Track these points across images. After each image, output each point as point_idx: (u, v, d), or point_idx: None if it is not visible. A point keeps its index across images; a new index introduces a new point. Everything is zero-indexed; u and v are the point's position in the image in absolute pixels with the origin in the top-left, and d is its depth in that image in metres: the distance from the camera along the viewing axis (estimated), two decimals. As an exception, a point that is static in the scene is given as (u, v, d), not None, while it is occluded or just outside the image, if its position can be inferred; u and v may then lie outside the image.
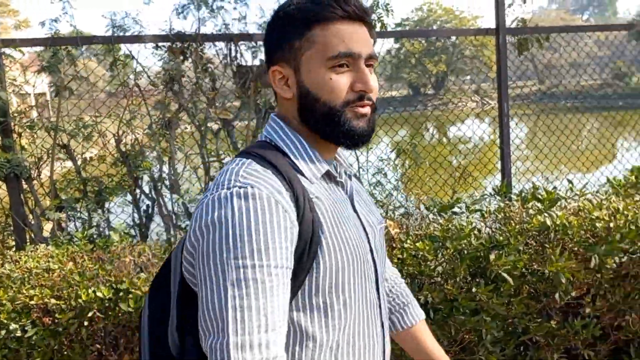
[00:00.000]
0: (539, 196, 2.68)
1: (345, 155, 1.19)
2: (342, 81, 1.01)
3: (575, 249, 2.37)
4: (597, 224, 2.37)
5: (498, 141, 3.96)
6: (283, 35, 1.03)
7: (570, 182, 3.13)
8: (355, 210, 1.10)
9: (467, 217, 2.71)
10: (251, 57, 3.13)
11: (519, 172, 5.13)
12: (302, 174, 1.02)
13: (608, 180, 3.14)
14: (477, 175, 4.83)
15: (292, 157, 1.03)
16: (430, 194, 3.98)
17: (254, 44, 3.13)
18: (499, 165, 4.08)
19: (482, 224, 2.71)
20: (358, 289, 1.02)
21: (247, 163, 0.97)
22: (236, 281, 0.86)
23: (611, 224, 2.37)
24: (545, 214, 2.48)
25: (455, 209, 2.78)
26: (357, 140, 1.04)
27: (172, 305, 1.03)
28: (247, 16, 3.06)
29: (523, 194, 2.80)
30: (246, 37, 3.11)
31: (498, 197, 2.94)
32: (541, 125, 5.61)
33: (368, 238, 1.09)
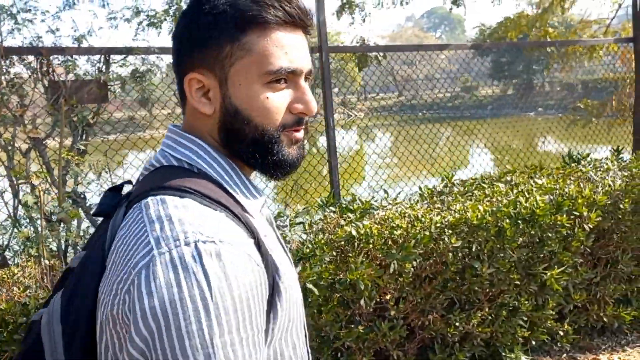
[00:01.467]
0: (351, 207, 2.83)
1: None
2: (279, 101, 0.84)
3: (380, 256, 2.53)
4: (396, 232, 2.55)
5: (367, 151, 4.12)
6: (209, 36, 0.83)
7: (385, 191, 3.34)
8: (280, 242, 0.95)
9: (290, 230, 2.78)
10: (65, 71, 2.97)
11: (380, 179, 5.43)
12: (245, 210, 0.84)
13: (420, 188, 3.40)
14: (310, 189, 4.99)
15: (228, 188, 0.84)
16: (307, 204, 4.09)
17: (68, 58, 2.98)
18: (365, 174, 4.24)
19: (305, 235, 2.80)
20: (298, 327, 0.89)
21: (191, 204, 0.76)
22: (224, 357, 0.69)
23: (409, 231, 2.56)
24: (354, 224, 2.62)
25: (279, 222, 2.84)
26: (288, 170, 0.89)
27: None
28: (60, 29, 2.89)
29: (343, 205, 2.94)
30: (58, 50, 2.95)
31: (327, 209, 3.05)
32: (405, 134, 5.94)
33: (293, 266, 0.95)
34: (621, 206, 2.93)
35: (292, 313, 0.84)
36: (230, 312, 0.70)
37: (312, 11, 0.91)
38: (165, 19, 3.64)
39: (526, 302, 2.81)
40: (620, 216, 2.96)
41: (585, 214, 2.84)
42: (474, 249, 2.62)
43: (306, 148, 0.97)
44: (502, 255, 2.69)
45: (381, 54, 6.47)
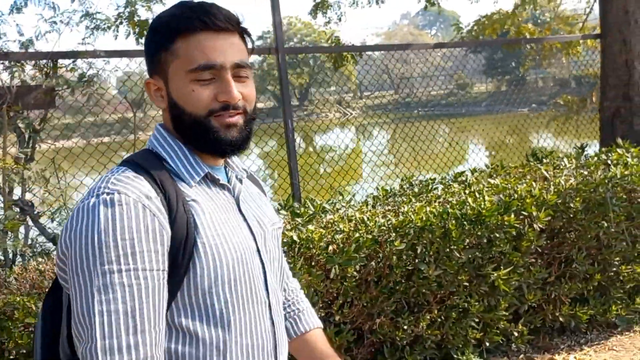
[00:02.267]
0: (298, 212, 2.80)
1: (237, 160, 1.19)
2: (204, 93, 1.02)
3: (322, 260, 2.50)
4: (337, 236, 2.52)
5: (363, 150, 4.09)
6: (152, 48, 1.06)
7: (340, 194, 3.31)
8: (241, 213, 1.10)
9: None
10: (9, 77, 2.93)
11: (377, 177, 5.43)
12: (181, 179, 1.04)
13: (379, 188, 3.37)
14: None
15: (170, 162, 1.05)
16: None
17: (12, 64, 2.94)
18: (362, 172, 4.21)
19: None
20: (242, 288, 1.03)
21: (122, 170, 0.99)
22: (102, 286, 0.88)
23: (351, 235, 2.53)
24: (297, 229, 2.59)
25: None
26: (227, 148, 1.06)
27: (63, 314, 1.02)
28: (6, 34, 2.85)
29: (290, 208, 2.91)
30: (1, 56, 2.91)
31: (280, 213, 3.01)
32: (400, 132, 5.94)
33: (255, 239, 1.09)
34: (572, 205, 2.89)
35: (222, 271, 0.99)
36: (111, 246, 0.89)
37: (237, 16, 1.07)
38: (121, 23, 3.60)
39: (476, 303, 2.78)
40: (571, 215, 2.93)
41: (534, 213, 2.81)
42: (419, 251, 2.59)
43: (253, 130, 1.11)
44: (449, 256, 2.66)
45: (357, 53, 6.45)
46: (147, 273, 0.91)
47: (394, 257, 2.55)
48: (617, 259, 3.12)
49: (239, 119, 1.05)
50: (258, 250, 1.09)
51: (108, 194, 0.93)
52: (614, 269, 3.16)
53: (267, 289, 1.10)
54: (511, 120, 7.32)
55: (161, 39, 1.04)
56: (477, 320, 2.84)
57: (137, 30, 3.69)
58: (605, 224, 3.00)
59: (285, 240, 2.48)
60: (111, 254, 0.89)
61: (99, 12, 3.26)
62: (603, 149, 3.76)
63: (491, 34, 6.49)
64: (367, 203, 3.13)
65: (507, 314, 2.91)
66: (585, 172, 3.24)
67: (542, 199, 2.86)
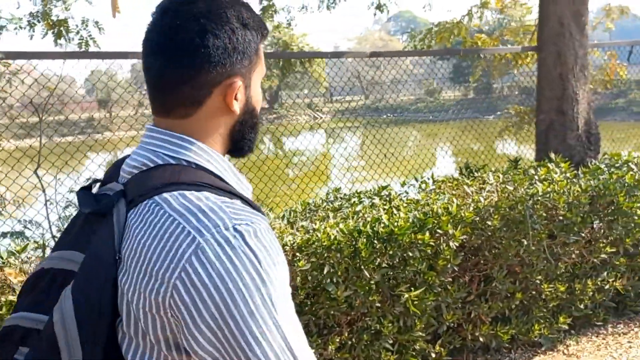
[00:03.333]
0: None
1: None
2: None
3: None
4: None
5: (332, 153, 3.98)
6: (244, 46, 0.93)
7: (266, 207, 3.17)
8: None
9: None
10: None
11: (348, 181, 5.36)
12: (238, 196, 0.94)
13: (301, 203, 3.25)
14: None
15: (229, 181, 0.94)
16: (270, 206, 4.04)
17: None
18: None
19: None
20: None
21: (211, 197, 0.85)
22: (286, 318, 0.80)
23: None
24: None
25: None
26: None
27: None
28: None
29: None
30: None
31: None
32: (369, 136, 5.92)
33: None
34: (489, 223, 2.82)
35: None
36: (280, 280, 0.81)
37: None
38: (35, 23, 3.42)
39: (390, 324, 2.68)
40: (490, 233, 2.86)
41: (450, 231, 2.72)
42: (325, 272, 2.47)
43: None
44: (359, 277, 2.55)
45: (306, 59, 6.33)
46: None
47: (298, 278, 2.43)
48: (539, 277, 3.06)
49: None
50: None
51: (240, 224, 0.81)
52: (536, 287, 3.09)
53: None
54: (477, 126, 7.34)
55: (254, 39, 0.95)
56: (391, 342, 2.74)
57: (55, 30, 3.50)
58: (525, 242, 2.93)
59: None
60: (284, 289, 0.82)
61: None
62: (534, 164, 3.71)
63: (439, 43, 6.45)
64: (284, 217, 3.00)
65: (424, 334, 2.81)
66: (511, 188, 3.17)
67: (459, 217, 2.78)
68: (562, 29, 3.95)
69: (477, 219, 2.82)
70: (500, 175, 3.37)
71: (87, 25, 4.06)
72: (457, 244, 2.74)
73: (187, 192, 0.84)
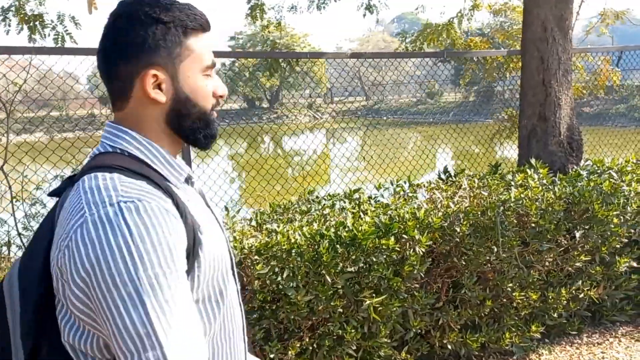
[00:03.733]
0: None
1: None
2: (210, 88, 1.07)
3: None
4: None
5: (332, 154, 3.95)
6: (160, 40, 1.03)
7: (226, 208, 3.12)
8: (209, 206, 1.14)
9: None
10: None
11: (349, 182, 5.36)
12: (168, 181, 1.03)
13: (270, 205, 3.20)
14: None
15: (154, 165, 1.03)
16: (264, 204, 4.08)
17: None
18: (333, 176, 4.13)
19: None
20: (226, 276, 1.07)
21: (117, 177, 0.95)
22: (152, 293, 0.86)
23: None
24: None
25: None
26: (214, 141, 1.12)
27: (14, 339, 0.98)
28: None
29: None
30: None
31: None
32: (369, 137, 5.94)
33: (222, 230, 1.14)
34: (458, 229, 2.76)
35: (215, 263, 1.03)
36: (150, 252, 0.87)
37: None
38: (5, 18, 3.37)
39: (353, 330, 2.63)
40: (458, 239, 2.80)
41: (417, 237, 2.67)
42: (285, 276, 2.42)
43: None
44: (320, 281, 2.50)
45: (294, 59, 6.29)
46: (183, 274, 0.92)
47: (257, 282, 2.38)
48: (510, 285, 3.01)
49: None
50: (226, 241, 1.14)
51: (126, 201, 0.90)
52: (507, 295, 3.04)
53: (234, 275, 1.16)
54: (477, 130, 7.29)
55: (177, 33, 1.04)
56: (355, 347, 2.68)
57: (30, 25, 3.45)
58: (495, 249, 2.88)
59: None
60: (153, 260, 0.87)
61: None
62: (512, 169, 3.66)
63: (428, 44, 6.40)
64: (252, 219, 2.95)
65: (389, 340, 2.76)
66: (486, 193, 3.12)
67: (426, 222, 2.72)
68: (545, 33, 3.89)
69: (446, 224, 2.77)
70: (476, 180, 3.31)
71: (62, 20, 4.01)
72: (424, 250, 2.69)
73: (99, 174, 0.96)
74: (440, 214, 2.80)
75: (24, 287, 0.99)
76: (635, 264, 3.38)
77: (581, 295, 3.25)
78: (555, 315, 3.23)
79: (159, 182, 0.99)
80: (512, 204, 2.94)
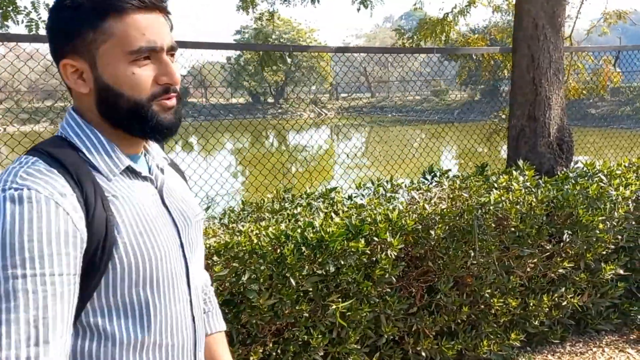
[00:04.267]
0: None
1: (157, 147, 1.12)
2: (145, 75, 0.96)
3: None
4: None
5: (336, 150, 3.88)
6: (73, 26, 0.95)
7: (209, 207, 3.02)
8: (165, 206, 1.05)
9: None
10: None
11: (355, 179, 5.33)
12: (98, 171, 0.96)
13: (242, 202, 3.10)
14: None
15: (86, 153, 0.97)
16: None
17: None
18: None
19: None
20: (164, 287, 0.99)
21: (32, 162, 0.91)
22: (4, 293, 0.79)
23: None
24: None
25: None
26: (166, 133, 1.01)
27: None
28: None
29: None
30: None
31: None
32: (376, 134, 5.95)
33: (179, 232, 1.05)
34: (432, 233, 2.65)
35: (144, 271, 0.94)
36: (16, 248, 0.80)
37: None
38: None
39: (320, 335, 2.52)
40: (433, 243, 2.69)
41: (388, 239, 2.56)
42: (246, 278, 2.32)
43: (182, 114, 1.05)
44: (284, 284, 2.40)
45: (287, 53, 6.19)
46: (56, 278, 0.83)
47: (215, 284, 2.28)
48: (489, 291, 2.89)
49: (175, 102, 1.01)
50: (181, 245, 1.05)
51: (16, 189, 0.85)
52: (486, 301, 2.93)
53: (188, 285, 1.07)
54: (481, 129, 7.18)
55: (87, 17, 0.94)
56: (322, 353, 2.58)
57: (3, 11, 3.35)
58: (473, 254, 2.77)
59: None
60: (16, 257, 0.80)
61: None
62: (495, 171, 3.54)
63: (423, 40, 6.28)
64: (221, 218, 2.85)
65: (359, 347, 2.66)
66: (467, 195, 3.00)
67: (399, 224, 2.61)
68: (536, 31, 3.76)
69: (420, 227, 2.65)
70: (458, 182, 3.19)
71: (37, 8, 3.92)
72: (396, 254, 2.58)
73: (24, 157, 0.93)
74: (414, 216, 2.69)
75: None
76: (622, 272, 3.26)
77: (564, 303, 3.13)
78: (537, 322, 3.11)
79: (75, 172, 0.92)
80: (491, 207, 2.82)
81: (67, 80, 0.98)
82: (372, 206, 2.73)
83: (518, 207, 2.87)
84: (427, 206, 2.72)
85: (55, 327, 0.82)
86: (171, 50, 1.00)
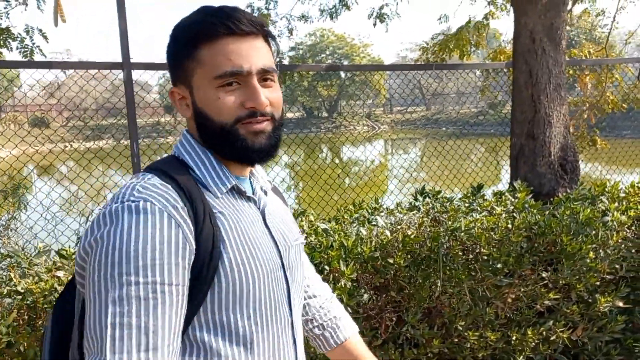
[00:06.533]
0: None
1: (262, 171, 1.18)
2: (230, 100, 1.00)
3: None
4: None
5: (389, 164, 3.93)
6: (175, 56, 1.05)
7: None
8: (267, 226, 1.08)
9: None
10: None
11: (407, 193, 5.37)
12: (207, 189, 1.02)
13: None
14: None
15: (197, 170, 1.03)
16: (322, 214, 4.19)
17: None
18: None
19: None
20: (266, 305, 1.01)
21: (148, 178, 0.97)
22: (118, 298, 0.84)
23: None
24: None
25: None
26: (255, 156, 1.04)
27: (75, 320, 1.00)
28: None
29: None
30: None
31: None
32: (430, 148, 6.09)
33: (280, 254, 1.08)
34: (391, 261, 2.52)
35: (247, 288, 0.97)
36: (131, 256, 0.85)
37: (260, 20, 1.03)
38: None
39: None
40: (393, 272, 2.56)
41: (342, 268, 2.45)
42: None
43: (281, 137, 1.08)
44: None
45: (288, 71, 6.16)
46: (166, 287, 0.87)
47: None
48: (462, 323, 2.72)
49: (266, 126, 1.03)
50: (283, 266, 1.08)
51: (133, 201, 0.91)
52: (460, 334, 2.75)
53: (290, 307, 1.09)
54: None
55: (184, 47, 1.02)
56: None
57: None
58: (439, 283, 2.61)
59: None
60: (131, 265, 0.86)
61: None
62: (482, 193, 3.35)
63: (440, 54, 6.12)
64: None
65: (317, 379, 2.55)
66: (445, 219, 2.85)
67: (355, 252, 2.50)
68: (534, 45, 3.56)
69: (378, 254, 2.53)
70: (438, 205, 3.04)
71: (32, 35, 4.08)
72: (350, 284, 2.47)
73: (141, 174, 1.00)
74: (373, 242, 2.57)
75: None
76: (621, 304, 2.99)
77: (553, 337, 2.89)
78: (522, 358, 2.89)
79: (185, 188, 0.97)
80: (462, 233, 2.66)
81: (176, 106, 1.07)
82: (332, 232, 2.63)
83: (493, 233, 2.69)
84: (387, 232, 2.59)
85: (164, 335, 0.86)
86: (265, 74, 1.02)
